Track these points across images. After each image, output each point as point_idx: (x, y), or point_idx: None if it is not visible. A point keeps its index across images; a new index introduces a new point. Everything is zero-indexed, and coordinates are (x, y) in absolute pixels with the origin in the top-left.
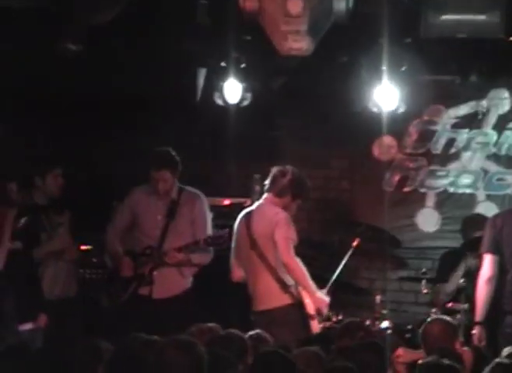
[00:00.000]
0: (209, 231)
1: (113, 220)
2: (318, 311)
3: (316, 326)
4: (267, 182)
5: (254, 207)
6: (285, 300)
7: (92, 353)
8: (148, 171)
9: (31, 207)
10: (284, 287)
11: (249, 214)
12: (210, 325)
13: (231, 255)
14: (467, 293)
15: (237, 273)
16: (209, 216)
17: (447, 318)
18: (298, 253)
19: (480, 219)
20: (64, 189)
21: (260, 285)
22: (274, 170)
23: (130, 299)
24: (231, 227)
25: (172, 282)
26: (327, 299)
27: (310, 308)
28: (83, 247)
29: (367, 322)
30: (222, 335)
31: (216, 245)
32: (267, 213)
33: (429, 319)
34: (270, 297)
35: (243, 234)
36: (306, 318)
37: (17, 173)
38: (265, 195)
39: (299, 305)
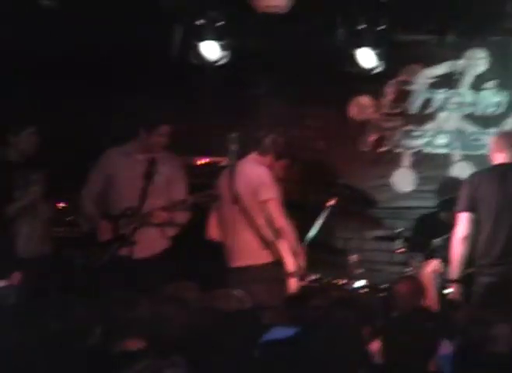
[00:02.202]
0: (186, 192)
1: (87, 183)
2: (298, 270)
3: (294, 285)
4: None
5: (237, 164)
6: (264, 258)
7: (90, 314)
8: (128, 129)
9: (4, 165)
10: (264, 243)
11: (232, 170)
12: (187, 283)
13: (211, 212)
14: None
15: (213, 231)
16: (186, 177)
17: (415, 276)
18: None
19: (456, 181)
20: (39, 148)
21: (240, 241)
22: (259, 132)
23: (110, 260)
24: (207, 186)
25: (153, 242)
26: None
27: (291, 265)
28: (60, 205)
29: (343, 282)
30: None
31: (204, 203)
32: (252, 170)
33: (398, 279)
34: (249, 253)
35: (225, 189)
36: (284, 276)
37: None
38: (250, 155)
39: (278, 263)
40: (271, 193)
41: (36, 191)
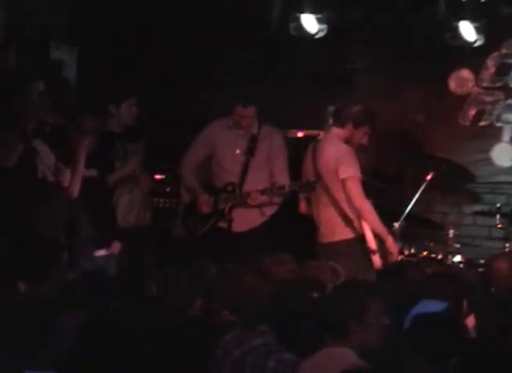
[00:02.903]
0: (286, 169)
1: (188, 152)
2: (380, 248)
3: (378, 261)
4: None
5: (321, 140)
6: (347, 234)
7: (194, 281)
8: (225, 103)
9: (106, 135)
10: (346, 220)
11: (315, 147)
12: (282, 256)
13: None
14: None
15: (303, 206)
16: (286, 153)
17: None
18: (371, 187)
19: None
20: (140, 119)
21: (323, 218)
22: (337, 105)
23: (208, 231)
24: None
25: (251, 218)
26: (396, 247)
27: (372, 242)
28: (157, 176)
29: (439, 256)
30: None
31: (301, 192)
32: (331, 147)
33: (494, 256)
34: (333, 230)
35: (309, 166)
36: (368, 252)
37: (93, 101)
38: (331, 129)
39: (361, 238)
40: (349, 171)
41: (135, 161)
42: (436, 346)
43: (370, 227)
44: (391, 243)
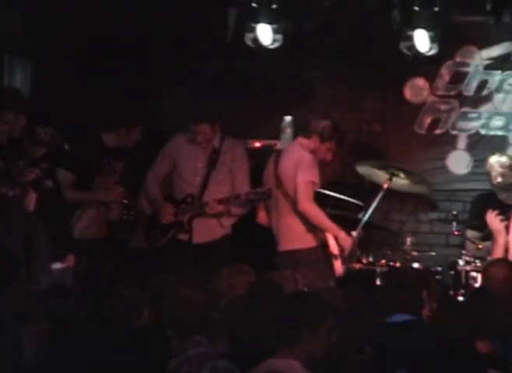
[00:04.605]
0: (248, 180)
1: (153, 166)
2: (342, 252)
3: (339, 267)
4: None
5: (285, 148)
6: (308, 242)
7: (139, 295)
8: (184, 115)
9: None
10: (307, 228)
11: (278, 154)
12: (241, 266)
13: None
14: None
15: (262, 215)
16: (248, 165)
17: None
18: (330, 196)
19: None
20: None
21: (283, 227)
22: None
23: (168, 243)
24: (261, 169)
25: (211, 229)
26: (350, 240)
27: (334, 248)
28: None
29: (397, 264)
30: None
31: (257, 200)
32: (294, 153)
33: (491, 261)
34: (293, 238)
35: (270, 173)
36: (330, 258)
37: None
38: (297, 138)
39: (323, 246)
40: (303, 176)
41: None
42: None
43: (320, 227)
44: (343, 237)
